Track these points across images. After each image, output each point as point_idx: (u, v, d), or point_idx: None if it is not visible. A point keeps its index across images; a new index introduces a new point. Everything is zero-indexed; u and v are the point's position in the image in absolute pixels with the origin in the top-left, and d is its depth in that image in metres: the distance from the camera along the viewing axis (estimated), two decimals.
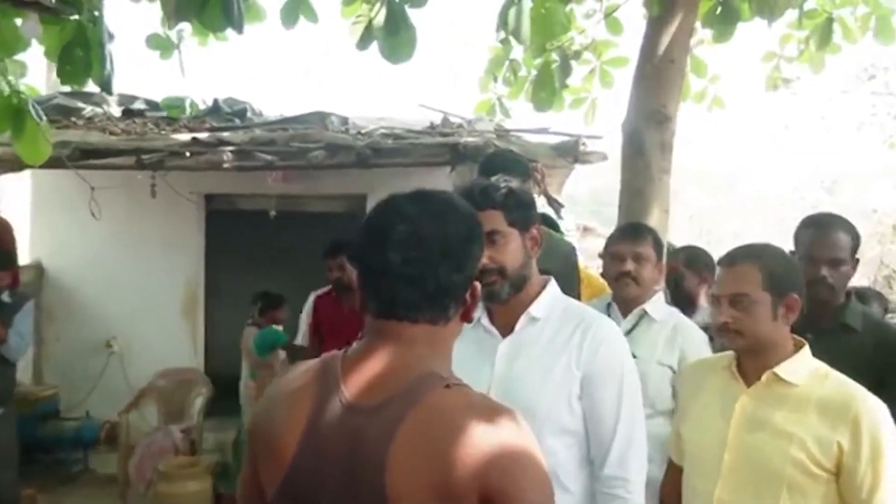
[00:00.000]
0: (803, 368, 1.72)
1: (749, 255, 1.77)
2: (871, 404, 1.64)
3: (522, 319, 1.74)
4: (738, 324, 1.72)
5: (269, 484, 1.14)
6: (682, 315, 2.52)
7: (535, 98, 3.34)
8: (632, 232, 2.54)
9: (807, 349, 1.76)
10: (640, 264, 2.42)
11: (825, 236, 2.18)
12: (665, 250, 2.59)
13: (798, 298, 1.75)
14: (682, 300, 3.00)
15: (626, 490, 1.65)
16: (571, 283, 2.71)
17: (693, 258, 3.24)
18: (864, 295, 3.21)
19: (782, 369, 1.71)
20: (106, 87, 2.72)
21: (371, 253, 1.13)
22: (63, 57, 2.68)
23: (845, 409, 1.62)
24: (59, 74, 2.75)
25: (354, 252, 1.16)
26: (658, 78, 2.93)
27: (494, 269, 1.67)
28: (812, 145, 17.97)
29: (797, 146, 18.35)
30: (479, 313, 1.80)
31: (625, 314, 2.45)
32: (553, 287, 1.80)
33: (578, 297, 2.81)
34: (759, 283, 1.71)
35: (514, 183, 1.78)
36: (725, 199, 18.82)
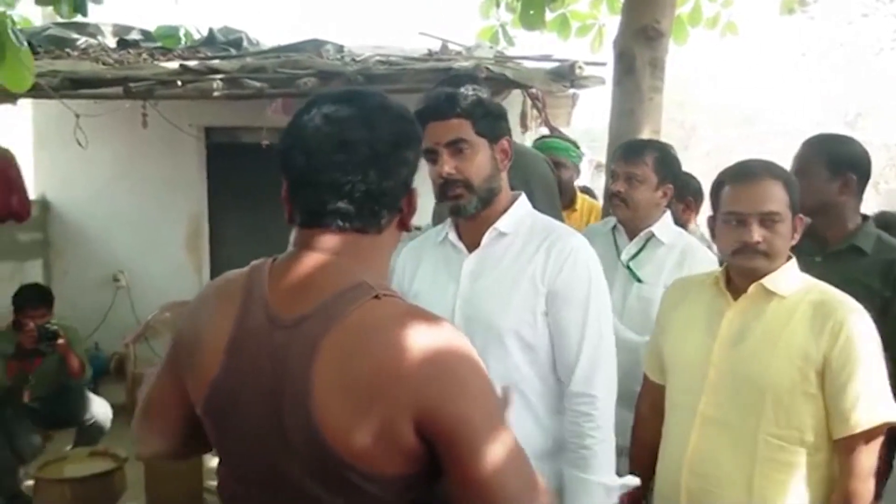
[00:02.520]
0: (790, 280, 1.68)
1: (770, 172, 1.68)
2: (854, 314, 1.60)
3: (489, 234, 1.70)
4: (768, 244, 1.64)
5: (195, 399, 1.08)
6: (691, 238, 2.42)
7: (523, 17, 3.21)
8: (628, 151, 2.40)
9: (793, 262, 1.71)
10: (632, 186, 2.31)
11: (800, 150, 2.14)
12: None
13: (804, 219, 1.70)
14: None
15: (593, 406, 1.62)
16: (550, 198, 2.65)
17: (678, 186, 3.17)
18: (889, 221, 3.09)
19: (769, 280, 1.67)
20: (80, 9, 2.67)
21: (295, 159, 1.04)
22: None
23: (828, 318, 1.59)
24: None
25: (280, 157, 1.07)
26: None
27: (459, 181, 1.63)
28: (832, 74, 17.31)
29: (816, 76, 17.70)
30: (447, 228, 1.78)
31: (631, 236, 2.38)
32: (523, 202, 1.75)
33: (560, 212, 2.75)
34: (785, 200, 1.64)
35: (483, 93, 1.72)
36: (744, 135, 18.41)
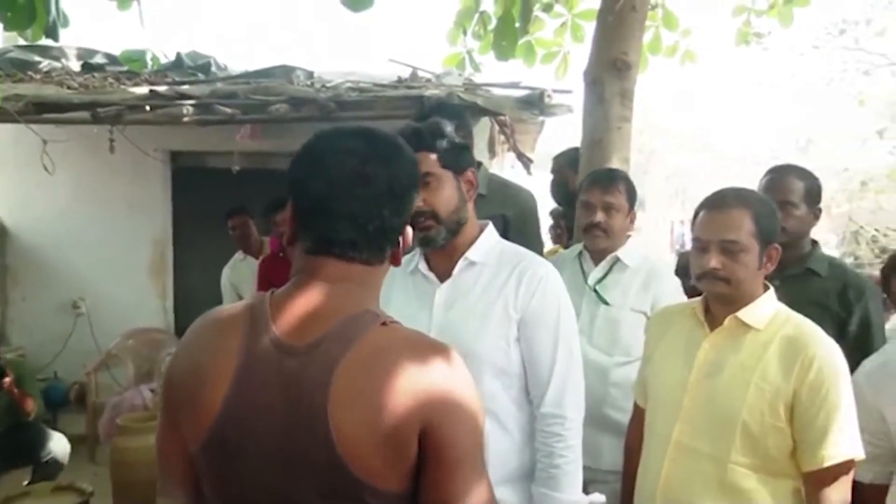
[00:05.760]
0: (765, 312, 1.72)
1: (740, 201, 1.72)
2: (826, 347, 1.64)
3: (460, 264, 1.73)
4: (727, 270, 1.68)
5: (192, 436, 1.08)
6: (656, 261, 2.49)
7: (496, 46, 3.28)
8: (602, 180, 2.44)
9: (771, 293, 1.76)
10: (610, 215, 2.37)
11: (777, 181, 2.25)
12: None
13: (779, 249, 1.74)
14: (570, 200, 3.02)
15: (563, 427, 1.68)
16: (531, 230, 2.71)
17: (575, 161, 3.18)
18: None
19: (744, 313, 1.71)
20: (51, 34, 2.62)
21: (313, 186, 1.08)
22: (4, 3, 2.57)
23: (801, 351, 1.63)
24: (1, 21, 2.64)
25: (292, 183, 1.10)
26: (620, 26, 2.89)
27: (428, 213, 1.66)
28: (785, 103, 18.00)
29: (770, 104, 18.38)
30: (417, 259, 1.80)
31: (596, 262, 2.43)
32: (491, 231, 1.79)
33: (540, 245, 2.80)
34: (751, 230, 1.68)
35: (448, 126, 1.75)
36: (702, 160, 18.86)
